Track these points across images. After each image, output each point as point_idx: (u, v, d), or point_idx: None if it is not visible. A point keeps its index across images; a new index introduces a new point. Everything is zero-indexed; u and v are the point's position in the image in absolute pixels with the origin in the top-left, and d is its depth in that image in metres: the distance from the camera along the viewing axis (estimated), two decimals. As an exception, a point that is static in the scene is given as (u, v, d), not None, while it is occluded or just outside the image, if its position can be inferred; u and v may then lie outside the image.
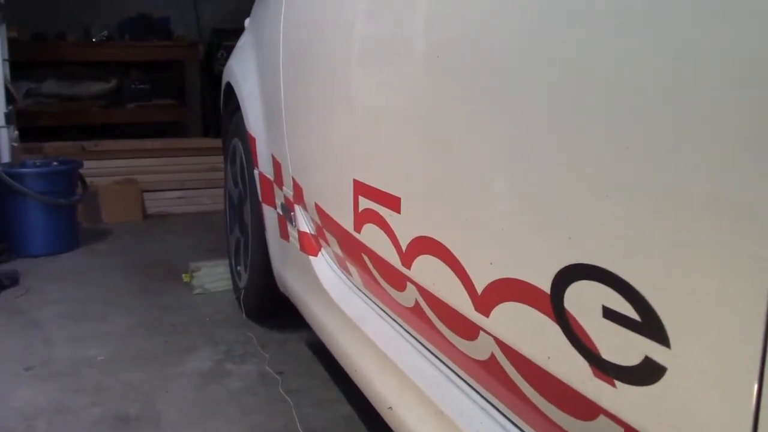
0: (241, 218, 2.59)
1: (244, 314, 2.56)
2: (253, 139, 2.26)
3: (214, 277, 2.91)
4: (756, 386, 0.54)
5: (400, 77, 1.17)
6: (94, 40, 5.55)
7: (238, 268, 2.68)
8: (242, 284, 2.59)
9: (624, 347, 0.69)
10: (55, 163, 3.58)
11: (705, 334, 0.59)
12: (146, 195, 4.40)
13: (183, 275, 2.96)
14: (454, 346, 1.09)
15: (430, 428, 1.11)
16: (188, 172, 4.58)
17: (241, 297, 2.57)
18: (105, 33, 5.60)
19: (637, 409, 0.69)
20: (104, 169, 4.33)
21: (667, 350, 0.64)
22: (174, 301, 2.78)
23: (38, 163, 3.60)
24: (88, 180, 3.78)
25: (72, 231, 3.61)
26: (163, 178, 4.50)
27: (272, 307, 2.44)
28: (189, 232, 4.02)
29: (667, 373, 0.64)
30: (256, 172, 2.26)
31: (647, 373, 0.66)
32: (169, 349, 2.32)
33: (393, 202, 1.19)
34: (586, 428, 0.77)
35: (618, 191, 0.67)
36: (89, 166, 3.94)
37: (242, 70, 2.43)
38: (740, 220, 0.55)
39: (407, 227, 1.15)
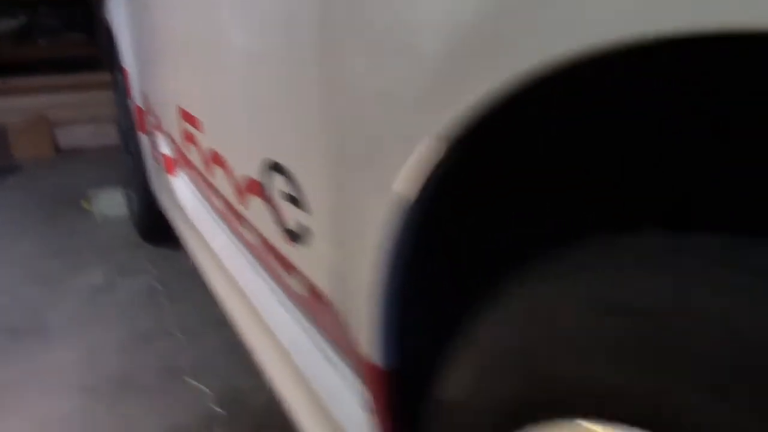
0: (128, 146, 2.78)
1: (138, 236, 2.77)
2: (127, 72, 2.44)
3: (113, 203, 3.11)
4: (373, 243, 0.80)
5: (192, 22, 1.39)
6: (-3, -25, 5.46)
7: (131, 192, 2.89)
8: (134, 208, 2.81)
9: (293, 218, 0.95)
10: (-43, 103, 3.66)
11: (335, 205, 0.85)
12: (58, 130, 4.51)
13: (82, 202, 3.15)
14: (244, 237, 1.35)
15: (244, 311, 1.39)
16: (100, 106, 4.67)
17: (135, 220, 2.79)
18: (9, -32, 5.52)
19: (305, 263, 0.96)
20: (14, 106, 4.40)
21: (309, 216, 0.90)
22: (76, 228, 2.98)
23: (-60, 104, 3.66)
24: (-6, 118, 3.87)
25: (-20, 168, 3.73)
26: (75, 112, 4.60)
27: (162, 228, 2.67)
28: (99, 164, 4.17)
29: (312, 233, 0.90)
30: (130, 102, 2.45)
31: (303, 234, 0.93)
32: (64, 269, 2.54)
33: (197, 124, 1.43)
34: (295, 280, 1.04)
35: (278, 104, 0.92)
36: (-3, 105, 4.03)
37: (115, 7, 2.58)
38: (365, 113, 0.79)
39: (205, 143, 1.39)
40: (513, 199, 0.62)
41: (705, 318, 0.35)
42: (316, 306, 0.95)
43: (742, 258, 0.36)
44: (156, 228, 2.73)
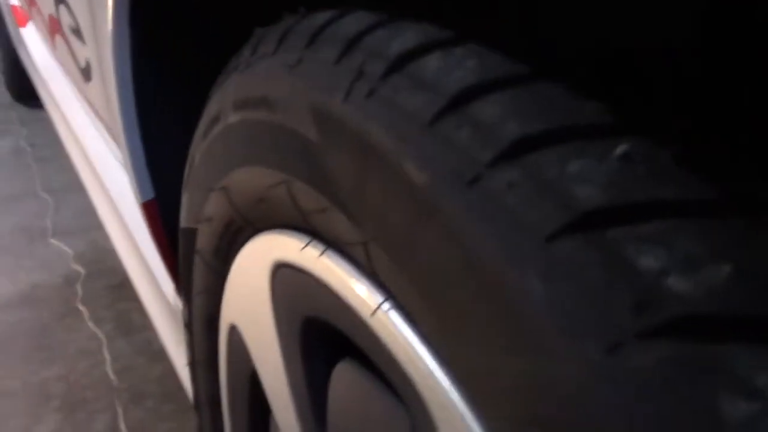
0: (-12, 0, 2.56)
1: (10, 96, 2.61)
2: None
3: (-17, 64, 2.89)
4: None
5: None
6: None
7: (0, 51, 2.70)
8: (3, 67, 2.63)
9: (81, 54, 0.89)
10: None
11: (92, 30, 0.79)
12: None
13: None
14: (70, 83, 1.27)
15: (83, 161, 1.33)
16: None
17: (6, 79, 2.61)
18: None
19: (97, 102, 0.91)
20: None
21: (86, 47, 0.84)
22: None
23: None
24: None
25: None
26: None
27: (31, 87, 2.52)
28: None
29: (92, 68, 0.84)
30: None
31: (88, 70, 0.87)
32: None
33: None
34: (99, 121, 0.99)
35: None
36: None
37: None
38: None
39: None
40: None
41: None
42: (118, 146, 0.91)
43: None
44: (28, 87, 2.57)
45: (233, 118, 0.41)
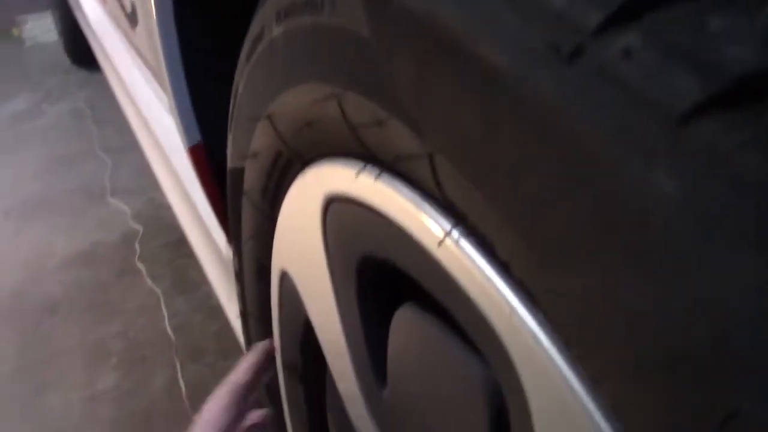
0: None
1: (69, 60, 2.64)
2: None
3: (43, 28, 2.93)
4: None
5: None
6: None
7: (57, 14, 2.71)
8: (61, 30, 2.65)
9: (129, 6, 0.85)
10: None
11: None
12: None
13: (13, 30, 2.97)
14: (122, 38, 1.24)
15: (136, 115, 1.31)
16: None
17: (64, 43, 2.63)
18: None
19: (144, 48, 0.87)
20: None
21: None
22: (3, 56, 2.83)
23: None
24: None
25: None
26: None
27: (89, 50, 2.53)
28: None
29: (138, 12, 0.81)
30: None
31: (134, 14, 0.83)
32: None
33: None
34: (147, 69, 0.96)
35: None
36: None
37: None
38: None
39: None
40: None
41: None
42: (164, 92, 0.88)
43: None
44: (85, 50, 2.58)
45: (277, 31, 0.36)
